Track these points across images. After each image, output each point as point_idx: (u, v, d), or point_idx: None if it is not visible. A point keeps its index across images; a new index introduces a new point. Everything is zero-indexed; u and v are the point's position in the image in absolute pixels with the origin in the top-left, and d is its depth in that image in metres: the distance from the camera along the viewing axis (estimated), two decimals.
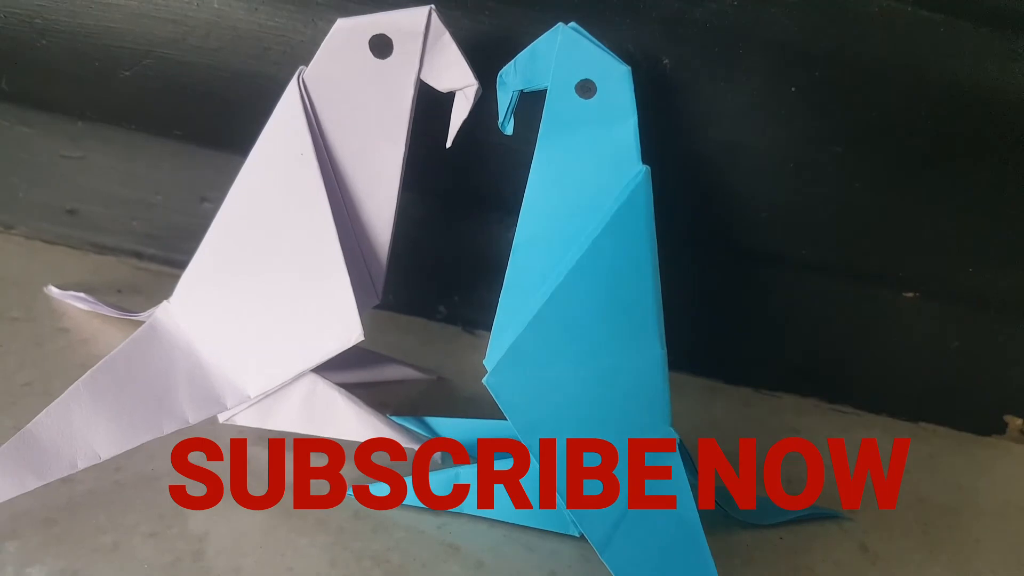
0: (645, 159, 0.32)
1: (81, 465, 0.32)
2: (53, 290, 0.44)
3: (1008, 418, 0.51)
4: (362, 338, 0.35)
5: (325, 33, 0.34)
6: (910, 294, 0.48)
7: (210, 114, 0.41)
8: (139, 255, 0.49)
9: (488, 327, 0.34)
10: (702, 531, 0.32)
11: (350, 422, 0.37)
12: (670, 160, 0.41)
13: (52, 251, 0.49)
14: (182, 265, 0.36)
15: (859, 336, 0.49)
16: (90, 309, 0.43)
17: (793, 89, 0.39)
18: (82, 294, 0.43)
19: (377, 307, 0.49)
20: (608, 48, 0.33)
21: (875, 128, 0.40)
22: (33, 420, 0.32)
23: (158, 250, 0.49)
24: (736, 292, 0.48)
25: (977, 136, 0.41)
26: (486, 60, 0.35)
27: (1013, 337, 0.49)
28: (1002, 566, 0.40)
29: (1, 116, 0.46)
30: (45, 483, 0.32)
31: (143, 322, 0.39)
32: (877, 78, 0.39)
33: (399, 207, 0.35)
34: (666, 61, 0.39)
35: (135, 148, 0.46)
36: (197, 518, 0.33)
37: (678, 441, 0.34)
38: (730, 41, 0.39)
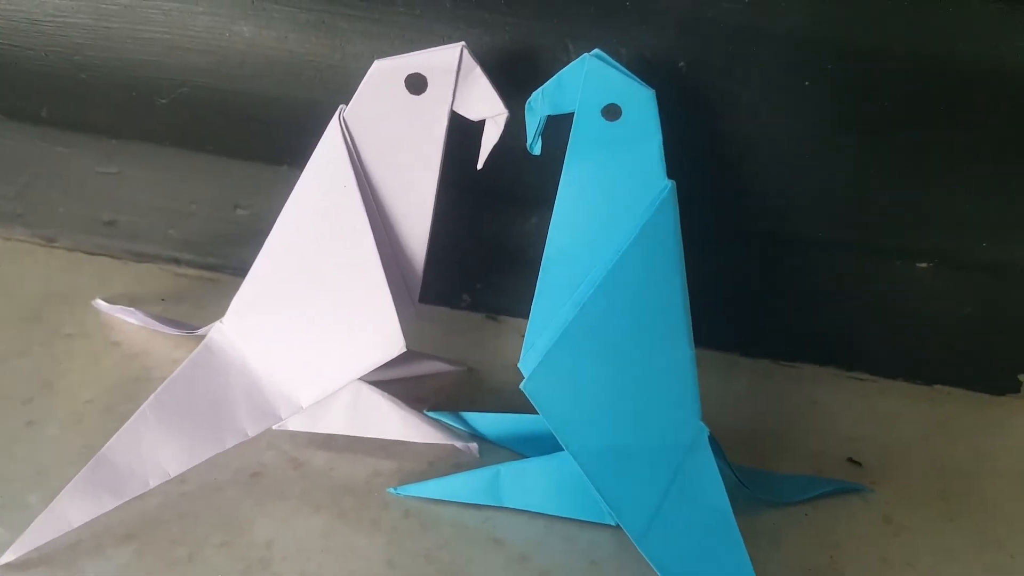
0: (669, 158, 0.34)
1: (153, 483, 0.35)
2: (101, 304, 0.46)
3: (1023, 377, 0.53)
4: (404, 349, 0.37)
5: (352, 57, 0.35)
6: (924, 264, 0.49)
7: (243, 133, 0.43)
8: (177, 261, 0.51)
9: (511, 313, 0.36)
10: (735, 521, 0.35)
11: (393, 423, 0.39)
12: (690, 152, 0.43)
13: (94, 261, 0.51)
14: (219, 269, 0.38)
15: (874, 306, 0.50)
16: (139, 324, 0.45)
17: (806, 83, 0.40)
18: (130, 308, 0.45)
19: None
20: (623, 56, 0.34)
21: (886, 116, 0.41)
22: (107, 444, 0.34)
23: (195, 255, 0.51)
24: (754, 270, 0.49)
25: (988, 115, 0.41)
26: (507, 73, 0.36)
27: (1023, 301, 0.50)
28: (1021, 531, 0.42)
29: (40, 139, 0.48)
30: (122, 502, 0.34)
31: (190, 334, 0.41)
32: (886, 66, 0.40)
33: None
34: (682, 63, 0.40)
35: (168, 162, 0.48)
36: (261, 524, 0.36)
37: (708, 434, 0.36)
38: (743, 38, 0.39)
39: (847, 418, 0.48)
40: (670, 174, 0.34)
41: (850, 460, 0.43)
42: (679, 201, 0.34)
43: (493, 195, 0.47)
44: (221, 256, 0.51)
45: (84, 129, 0.46)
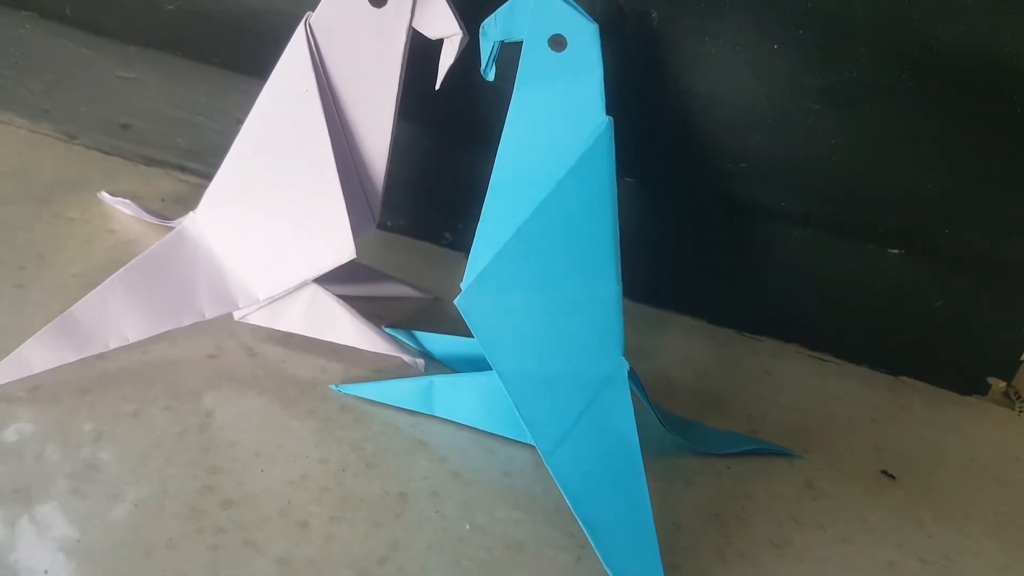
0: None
1: (112, 345, 0.38)
2: (105, 196, 0.50)
3: (992, 380, 0.52)
4: (354, 255, 0.39)
5: None
6: (895, 250, 0.49)
7: (240, 44, 0.46)
8: (182, 168, 0.55)
9: None
10: (640, 453, 0.36)
11: (346, 329, 0.42)
12: (656, 109, 0.44)
13: (108, 160, 0.55)
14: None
15: (843, 288, 0.51)
16: (133, 215, 0.49)
17: (776, 46, 0.41)
18: (128, 201, 0.49)
19: (388, 229, 0.54)
20: (602, 12, 0.35)
21: (855, 87, 0.42)
22: (75, 304, 0.38)
23: (199, 164, 0.55)
24: (720, 237, 0.50)
25: (961, 99, 0.42)
26: (480, 10, 0.38)
27: (997, 303, 0.50)
28: (948, 516, 0.42)
29: (67, 38, 0.52)
30: (82, 358, 0.38)
31: (167, 223, 0.44)
32: (859, 37, 0.41)
33: (395, 140, 0.39)
34: (655, 14, 0.41)
35: (180, 72, 0.51)
36: (207, 397, 0.39)
37: (628, 369, 0.38)
38: None
39: (796, 391, 0.49)
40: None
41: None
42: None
43: (476, 140, 0.50)
44: None
45: (105, 33, 0.50)
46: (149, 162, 0.55)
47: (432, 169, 0.51)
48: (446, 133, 0.50)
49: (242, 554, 0.33)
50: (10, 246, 0.46)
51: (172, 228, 0.47)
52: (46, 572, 0.31)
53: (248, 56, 0.48)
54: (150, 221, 0.48)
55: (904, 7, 0.40)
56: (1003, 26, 0.40)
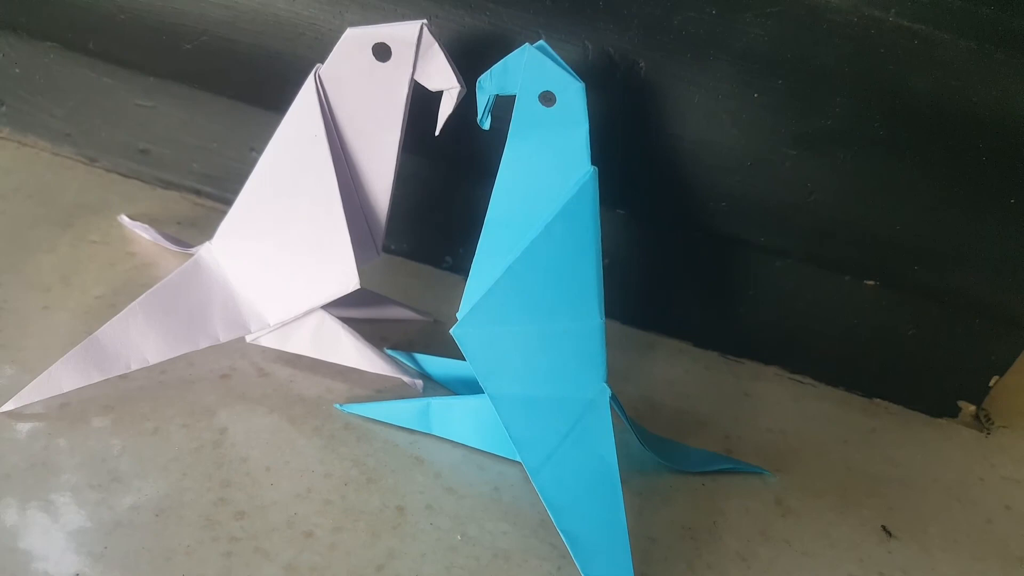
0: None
1: (134, 367, 0.41)
2: (124, 219, 0.53)
3: (962, 404, 0.55)
4: (358, 286, 0.42)
5: (350, 24, 0.40)
6: (871, 282, 0.52)
7: (255, 81, 0.49)
8: (198, 192, 0.58)
9: None
10: (618, 473, 0.39)
11: (350, 352, 0.45)
12: (644, 149, 0.47)
13: (127, 183, 0.58)
14: (231, 203, 0.44)
15: (823, 315, 0.54)
16: (151, 239, 0.52)
17: (756, 95, 0.44)
18: (146, 225, 0.52)
19: (392, 252, 0.57)
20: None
21: (830, 135, 0.45)
22: (100, 329, 0.41)
23: (214, 189, 0.58)
24: (705, 266, 0.53)
25: (931, 146, 0.44)
26: (483, 52, 0.41)
27: (968, 332, 0.52)
28: (908, 533, 0.45)
29: (90, 69, 0.55)
30: (106, 378, 0.41)
31: (187, 251, 0.48)
32: (834, 88, 0.43)
33: (398, 172, 0.42)
34: (643, 64, 0.44)
35: (196, 103, 0.54)
36: (221, 415, 0.42)
37: (610, 395, 0.41)
38: (702, 48, 0.44)
39: (773, 413, 0.52)
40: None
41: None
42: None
43: (474, 172, 0.53)
44: (236, 192, 0.56)
45: (125, 64, 0.53)
46: (167, 185, 0.58)
47: (433, 197, 0.54)
48: (446, 164, 0.53)
49: (253, 560, 0.36)
50: (35, 268, 0.49)
51: (187, 254, 0.50)
52: (77, 574, 0.34)
53: (260, 90, 0.51)
54: (166, 246, 0.51)
55: (878, 60, 0.42)
56: (974, 77, 0.42)
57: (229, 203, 0.57)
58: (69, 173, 0.58)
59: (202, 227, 0.55)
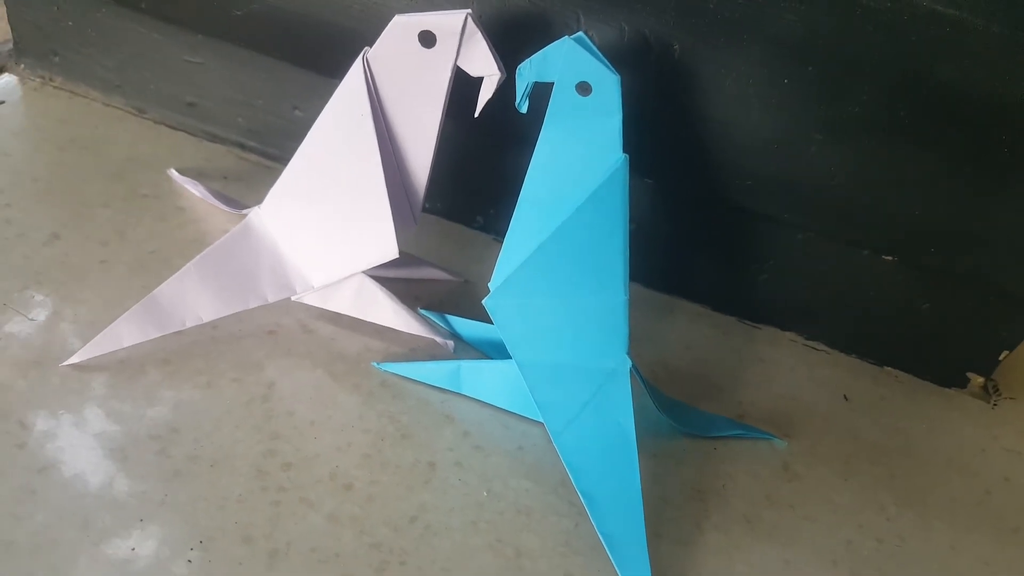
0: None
1: (189, 324, 0.44)
2: (174, 174, 0.56)
3: (971, 375, 0.56)
4: (396, 255, 0.45)
5: (394, 1, 0.42)
6: (889, 258, 0.53)
7: (301, 47, 0.51)
8: (242, 146, 0.60)
9: None
10: (634, 439, 0.42)
11: (388, 312, 0.48)
12: (674, 127, 0.48)
13: (174, 135, 0.60)
14: (277, 159, 0.46)
15: (841, 286, 0.55)
16: (200, 196, 0.55)
17: (786, 80, 0.45)
18: (195, 181, 0.55)
19: (426, 211, 0.59)
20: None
21: (856, 121, 0.45)
22: (158, 288, 0.44)
23: (257, 143, 0.60)
24: (728, 235, 0.54)
25: (950, 133, 0.45)
26: (522, 36, 0.42)
27: (980, 308, 0.54)
28: (907, 501, 0.47)
29: (140, 24, 0.57)
30: (163, 334, 0.44)
31: (237, 212, 0.50)
32: (862, 76, 0.44)
33: (439, 149, 0.44)
34: (677, 46, 0.45)
35: (242, 61, 0.56)
36: (268, 370, 0.46)
37: (631, 366, 0.43)
38: (736, 32, 0.44)
39: (786, 379, 0.54)
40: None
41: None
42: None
43: (509, 137, 0.54)
44: (279, 148, 0.59)
45: (174, 22, 0.55)
46: (212, 138, 0.60)
47: (468, 160, 0.56)
48: (481, 130, 0.54)
49: (298, 509, 0.40)
50: (92, 223, 0.52)
51: (235, 214, 0.53)
52: (141, 520, 0.38)
53: (304, 53, 0.52)
54: (214, 204, 0.54)
55: (908, 47, 0.43)
56: (1000, 67, 0.43)
57: (272, 158, 0.60)
58: (119, 124, 0.60)
59: (248, 182, 0.57)
